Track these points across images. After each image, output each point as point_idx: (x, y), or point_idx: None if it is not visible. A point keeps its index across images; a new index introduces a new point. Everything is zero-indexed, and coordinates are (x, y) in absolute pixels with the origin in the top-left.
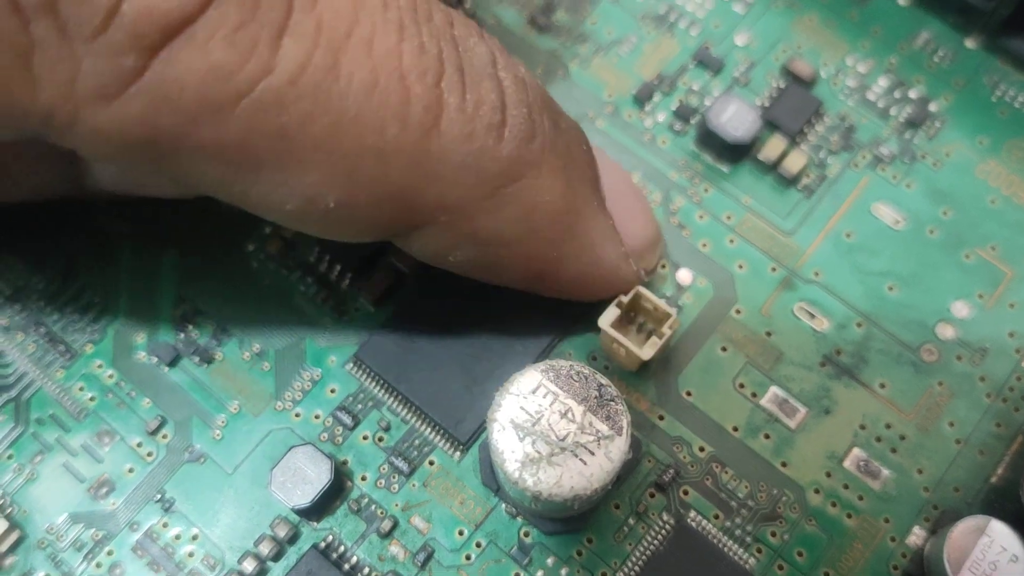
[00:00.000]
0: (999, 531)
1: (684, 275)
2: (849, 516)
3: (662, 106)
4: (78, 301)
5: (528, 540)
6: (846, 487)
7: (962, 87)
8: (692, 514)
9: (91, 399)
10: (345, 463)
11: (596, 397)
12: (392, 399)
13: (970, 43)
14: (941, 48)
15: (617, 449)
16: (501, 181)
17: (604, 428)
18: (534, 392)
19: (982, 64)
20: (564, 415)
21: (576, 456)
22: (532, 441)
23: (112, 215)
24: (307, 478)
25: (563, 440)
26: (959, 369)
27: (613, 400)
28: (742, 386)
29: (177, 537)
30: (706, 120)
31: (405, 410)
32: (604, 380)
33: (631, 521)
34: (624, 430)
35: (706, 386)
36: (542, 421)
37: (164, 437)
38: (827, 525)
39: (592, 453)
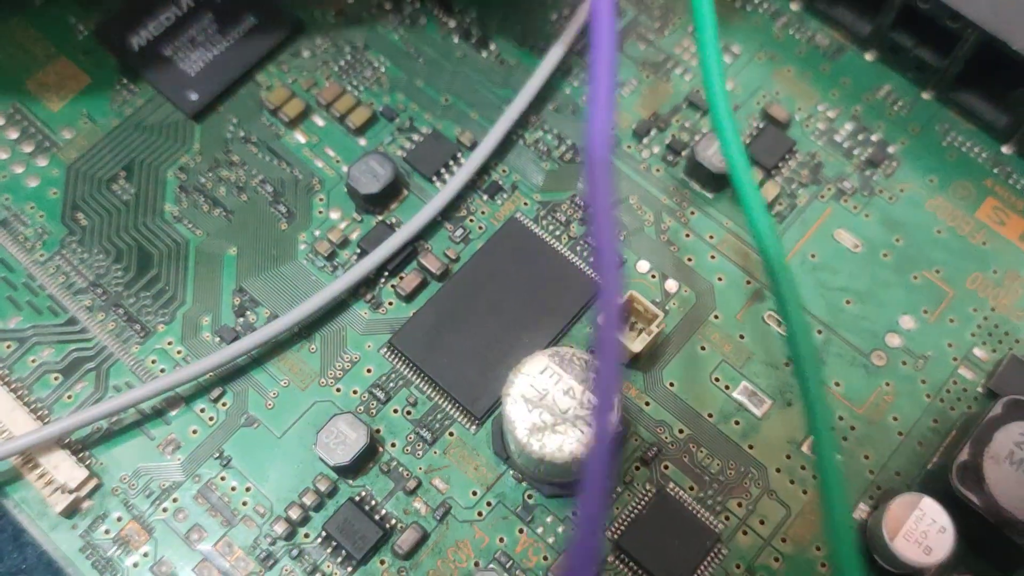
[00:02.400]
0: (930, 506)
1: (671, 284)
2: (805, 492)
3: (657, 140)
4: (152, 288)
5: (531, 501)
6: (803, 468)
7: (917, 133)
8: (671, 485)
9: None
10: (378, 431)
11: (593, 379)
12: (419, 379)
13: (926, 95)
14: (900, 99)
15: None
16: None
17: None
18: (542, 373)
19: (935, 114)
20: (566, 392)
21: (575, 426)
22: (539, 413)
23: (183, 220)
24: (347, 441)
25: (565, 413)
26: (904, 373)
27: None
28: (717, 379)
29: (233, 488)
30: (694, 153)
31: (430, 389)
32: None
33: (619, 489)
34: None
35: (687, 378)
36: (548, 397)
37: (224, 404)
38: (785, 499)
39: (589, 424)
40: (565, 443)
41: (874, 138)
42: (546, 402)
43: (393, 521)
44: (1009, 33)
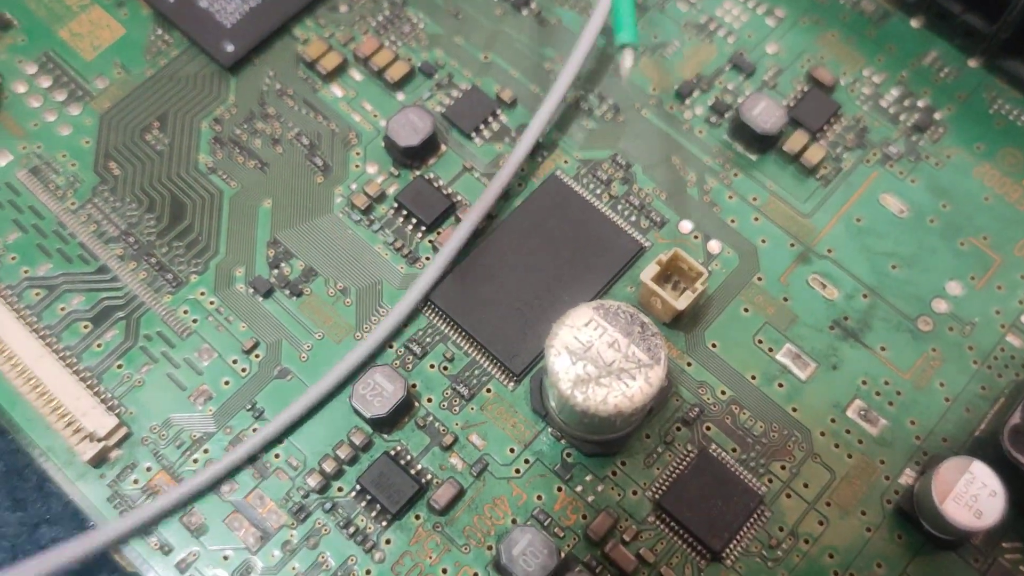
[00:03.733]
0: (980, 470)
1: (714, 245)
2: (849, 456)
3: (700, 101)
4: (184, 239)
5: (570, 460)
6: (848, 432)
7: (964, 100)
8: (713, 447)
9: (194, 321)
10: (414, 386)
11: (639, 332)
12: (456, 335)
13: (973, 63)
14: (947, 66)
15: (656, 376)
16: None
17: (645, 358)
18: (586, 325)
19: (982, 81)
20: (611, 345)
21: (620, 379)
22: (583, 365)
23: (217, 172)
24: (384, 393)
25: (610, 365)
26: (951, 339)
27: (654, 335)
28: (761, 341)
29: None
30: (739, 112)
31: (467, 345)
32: (646, 319)
33: (659, 449)
34: (662, 360)
35: (729, 340)
36: (592, 349)
37: (257, 356)
38: (830, 463)
39: (633, 378)
40: (609, 396)
41: (920, 104)
42: (590, 354)
43: (429, 476)
44: None
